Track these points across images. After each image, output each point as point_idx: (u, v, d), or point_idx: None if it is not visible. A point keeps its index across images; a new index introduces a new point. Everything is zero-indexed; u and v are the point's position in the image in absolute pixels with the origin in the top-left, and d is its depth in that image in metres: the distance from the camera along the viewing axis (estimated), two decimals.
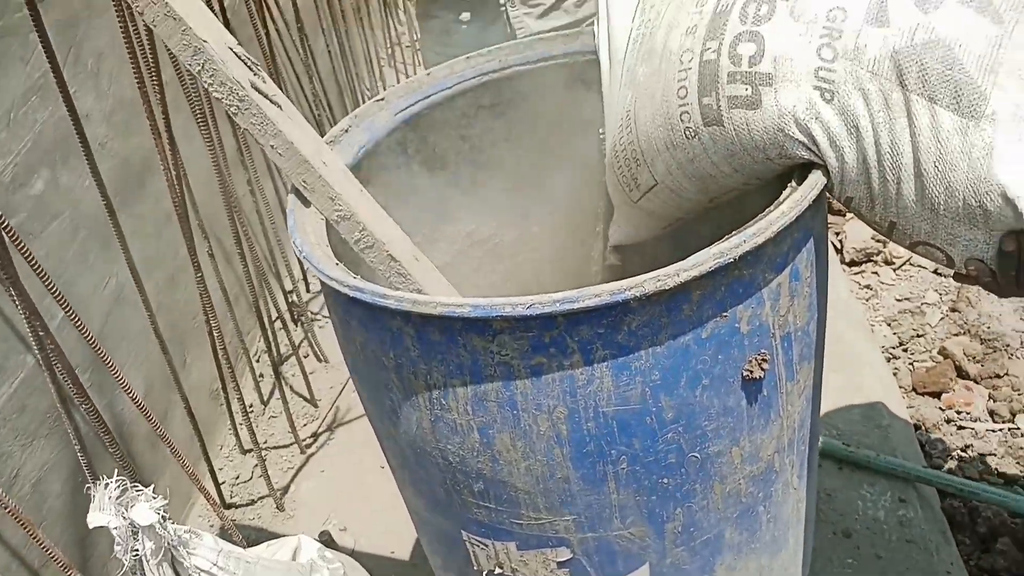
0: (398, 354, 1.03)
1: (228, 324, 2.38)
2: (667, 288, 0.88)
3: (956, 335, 2.48)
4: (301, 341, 2.79)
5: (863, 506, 1.91)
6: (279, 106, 1.18)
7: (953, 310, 2.56)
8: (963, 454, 2.12)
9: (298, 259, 2.36)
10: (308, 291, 2.98)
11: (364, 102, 3.57)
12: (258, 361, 2.69)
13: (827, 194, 1.04)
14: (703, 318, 0.95)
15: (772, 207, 0.97)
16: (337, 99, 3.33)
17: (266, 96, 1.15)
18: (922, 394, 2.33)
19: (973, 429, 2.18)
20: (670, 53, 1.07)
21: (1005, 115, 0.87)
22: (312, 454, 2.40)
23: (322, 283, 1.10)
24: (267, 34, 2.46)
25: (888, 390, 2.28)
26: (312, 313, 2.88)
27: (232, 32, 2.43)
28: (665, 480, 1.04)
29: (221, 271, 2.24)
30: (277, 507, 2.22)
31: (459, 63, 1.45)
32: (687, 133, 1.06)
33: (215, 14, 2.17)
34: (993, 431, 2.17)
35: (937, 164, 0.90)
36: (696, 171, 1.10)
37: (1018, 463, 2.16)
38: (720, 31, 1.01)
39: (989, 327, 2.45)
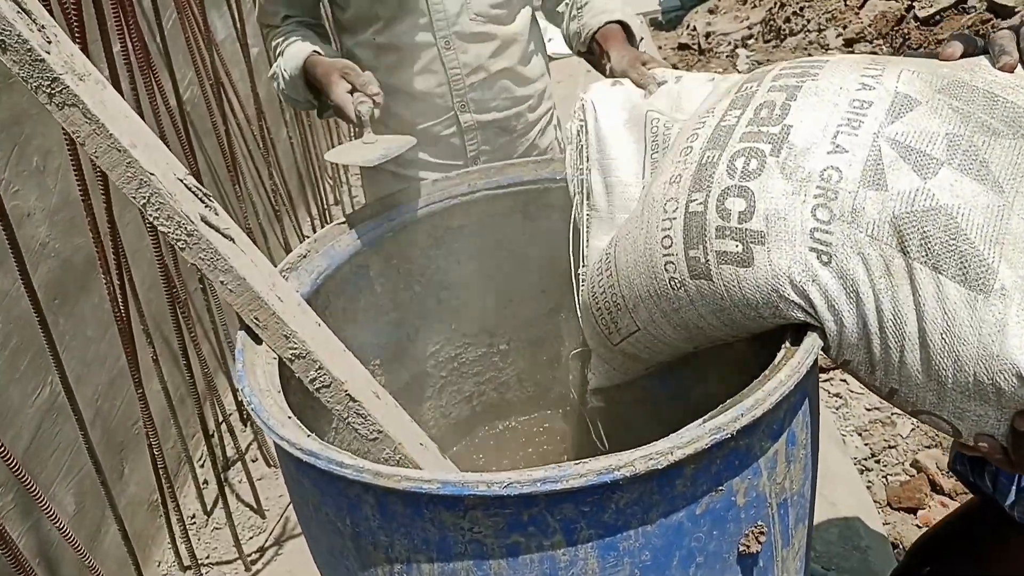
0: (356, 522, 0.92)
1: (170, 429, 2.23)
2: (660, 468, 0.80)
3: (928, 447, 2.43)
4: (249, 444, 2.64)
5: None
6: (231, 239, 1.09)
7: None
8: None
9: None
10: None
11: (326, 193, 3.49)
12: (202, 466, 2.53)
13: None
14: (697, 493, 0.86)
15: (768, 373, 0.89)
16: (298, 190, 3.25)
17: (217, 229, 1.06)
18: (897, 509, 2.26)
19: None
20: (653, 200, 1.01)
21: (1015, 290, 0.82)
22: (258, 572, 2.23)
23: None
24: (226, 128, 2.39)
25: (864, 506, 2.21)
26: None
27: (191, 125, 2.36)
28: None
29: (166, 373, 2.10)
30: None
31: (426, 186, 1.38)
32: (672, 283, 1.00)
33: (171, 108, 2.11)
34: None
35: (944, 336, 0.84)
36: (681, 321, 1.03)
37: None
38: (707, 183, 0.96)
39: None
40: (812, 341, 0.92)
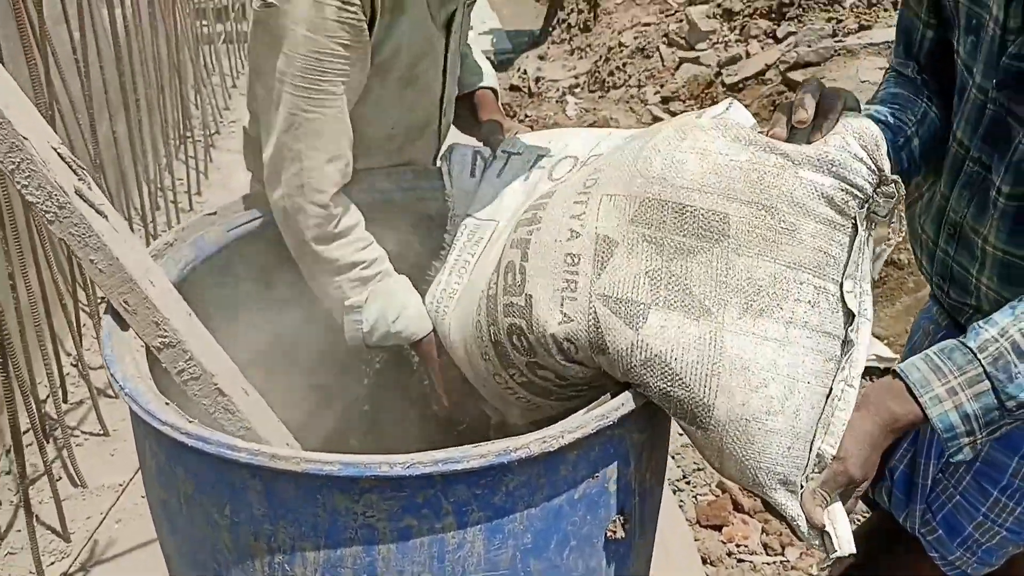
0: (236, 511, 0.90)
1: None
2: (551, 450, 0.85)
3: None
4: (52, 460, 2.42)
5: None
6: (105, 216, 1.04)
7: None
8: None
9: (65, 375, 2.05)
10: (65, 401, 2.62)
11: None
12: None
13: None
14: (577, 479, 0.92)
15: None
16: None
17: (91, 204, 1.01)
18: (705, 527, 2.45)
19: (751, 562, 2.32)
20: (484, 378, 1.20)
21: (729, 422, 0.91)
22: None
23: (144, 425, 0.95)
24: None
25: (677, 523, 2.37)
26: (69, 428, 2.52)
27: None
28: None
29: None
30: None
31: None
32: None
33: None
34: (768, 563, 2.32)
35: (714, 459, 0.96)
36: None
37: None
38: (509, 360, 1.11)
39: None
40: None
